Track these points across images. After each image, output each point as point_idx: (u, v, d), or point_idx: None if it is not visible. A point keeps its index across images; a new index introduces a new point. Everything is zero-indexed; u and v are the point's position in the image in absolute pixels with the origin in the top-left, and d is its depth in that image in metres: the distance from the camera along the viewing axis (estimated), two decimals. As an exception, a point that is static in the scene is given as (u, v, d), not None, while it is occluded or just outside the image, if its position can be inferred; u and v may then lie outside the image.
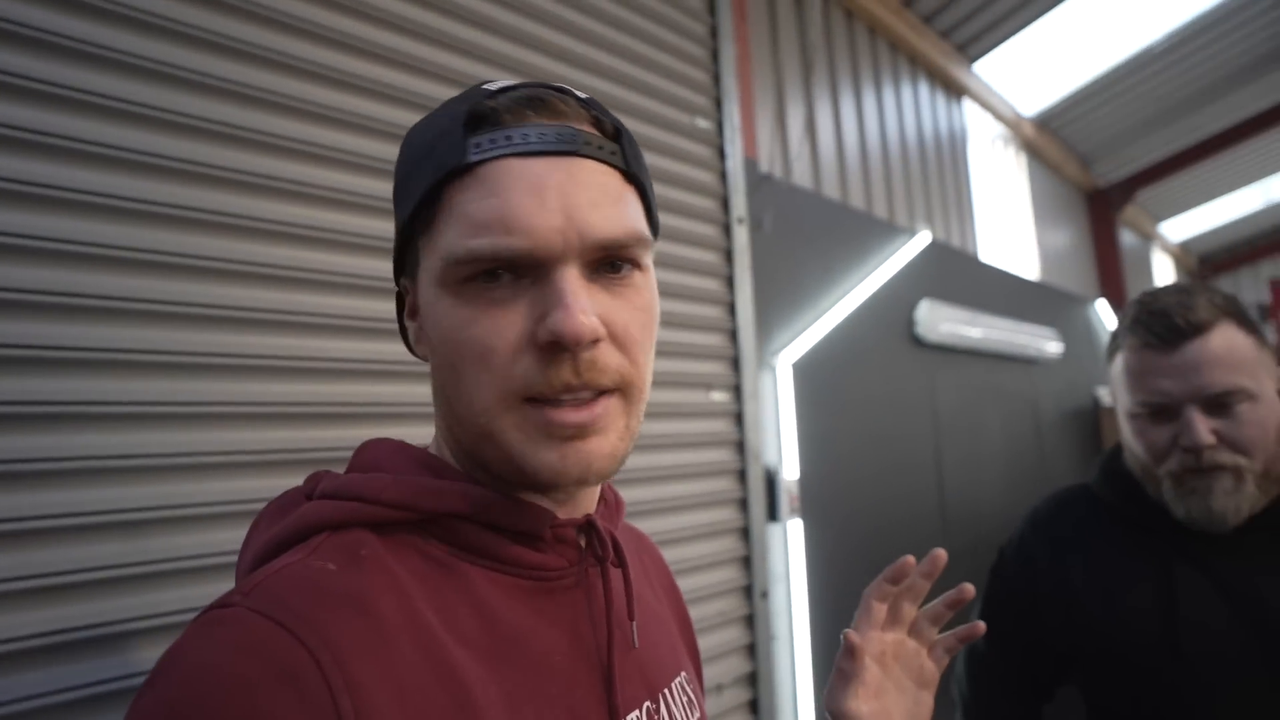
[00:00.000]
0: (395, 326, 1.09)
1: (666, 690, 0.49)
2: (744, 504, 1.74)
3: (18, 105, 0.85)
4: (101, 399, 0.87)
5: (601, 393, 0.40)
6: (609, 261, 0.40)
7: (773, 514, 1.81)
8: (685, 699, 0.51)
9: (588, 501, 0.48)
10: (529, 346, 0.38)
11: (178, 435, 0.92)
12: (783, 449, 1.88)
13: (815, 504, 1.96)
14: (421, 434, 1.13)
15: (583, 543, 0.46)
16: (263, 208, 1.03)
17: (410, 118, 1.20)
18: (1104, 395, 4.07)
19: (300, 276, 1.06)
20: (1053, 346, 3.45)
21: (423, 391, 1.18)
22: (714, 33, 1.86)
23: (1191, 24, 3.95)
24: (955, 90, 3.63)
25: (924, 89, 3.36)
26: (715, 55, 1.84)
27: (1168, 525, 0.85)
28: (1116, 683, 0.85)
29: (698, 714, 0.52)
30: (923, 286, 2.67)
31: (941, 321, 2.65)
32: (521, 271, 0.39)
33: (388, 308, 1.14)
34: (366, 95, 1.17)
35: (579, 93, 0.43)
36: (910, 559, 0.59)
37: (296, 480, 0.49)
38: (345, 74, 1.14)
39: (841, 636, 0.57)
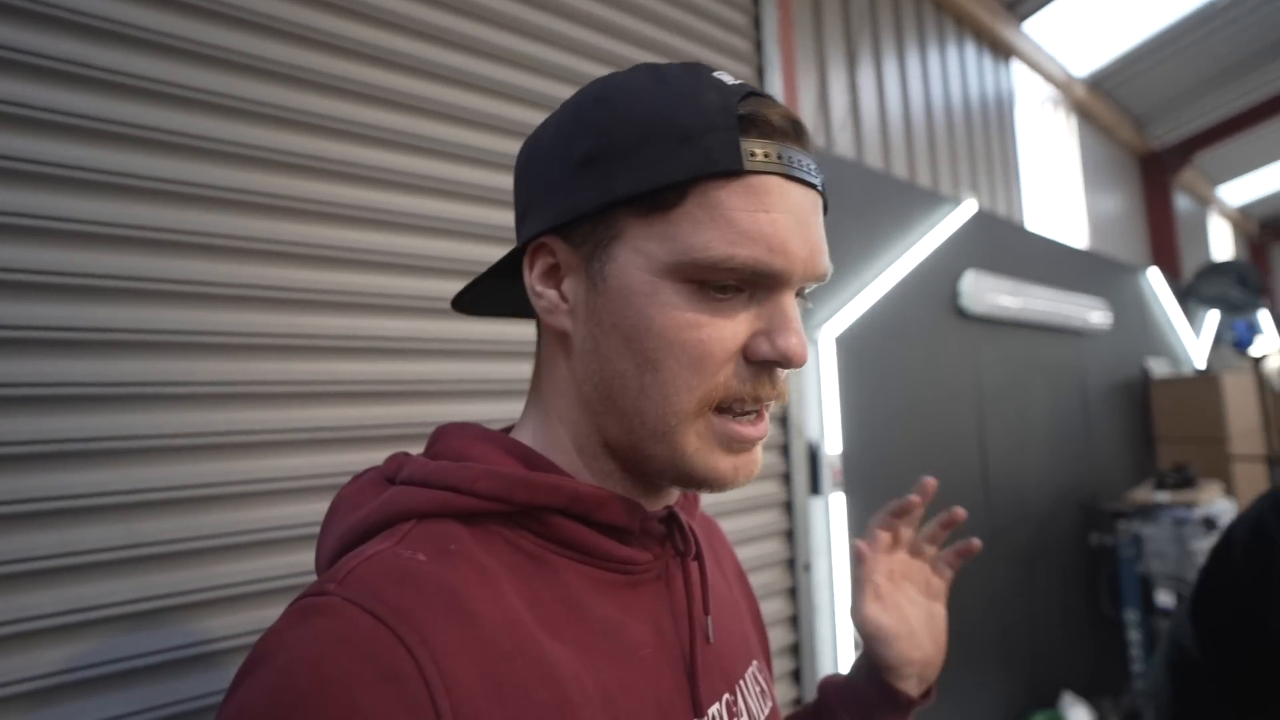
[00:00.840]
0: (423, 305, 1.12)
1: (741, 681, 0.49)
2: (787, 478, 1.74)
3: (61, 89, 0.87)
4: (165, 379, 0.91)
5: (765, 408, 0.43)
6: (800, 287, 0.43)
7: (815, 488, 1.81)
8: (758, 689, 0.51)
9: (671, 494, 0.48)
10: (737, 358, 0.40)
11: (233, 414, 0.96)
12: (825, 423, 1.87)
13: (858, 478, 1.95)
14: (453, 412, 1.17)
15: (665, 535, 0.46)
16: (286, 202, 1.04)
17: (460, 96, 1.21)
18: (1155, 367, 3.94)
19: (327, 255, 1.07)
20: (1102, 317, 3.34)
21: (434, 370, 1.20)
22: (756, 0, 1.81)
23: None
24: (1003, 51, 3.49)
25: (970, 51, 3.24)
26: (757, 22, 1.80)
27: None
28: None
29: (769, 704, 0.52)
30: (968, 257, 2.60)
31: (987, 293, 2.58)
32: (748, 286, 0.40)
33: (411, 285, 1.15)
34: (453, 85, 1.17)
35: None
36: (914, 498, 0.63)
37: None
38: (431, 63, 1.14)
39: (850, 545, 0.63)
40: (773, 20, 1.81)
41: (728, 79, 0.42)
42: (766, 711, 0.51)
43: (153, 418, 0.89)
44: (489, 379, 1.21)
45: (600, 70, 1.42)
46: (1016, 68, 3.62)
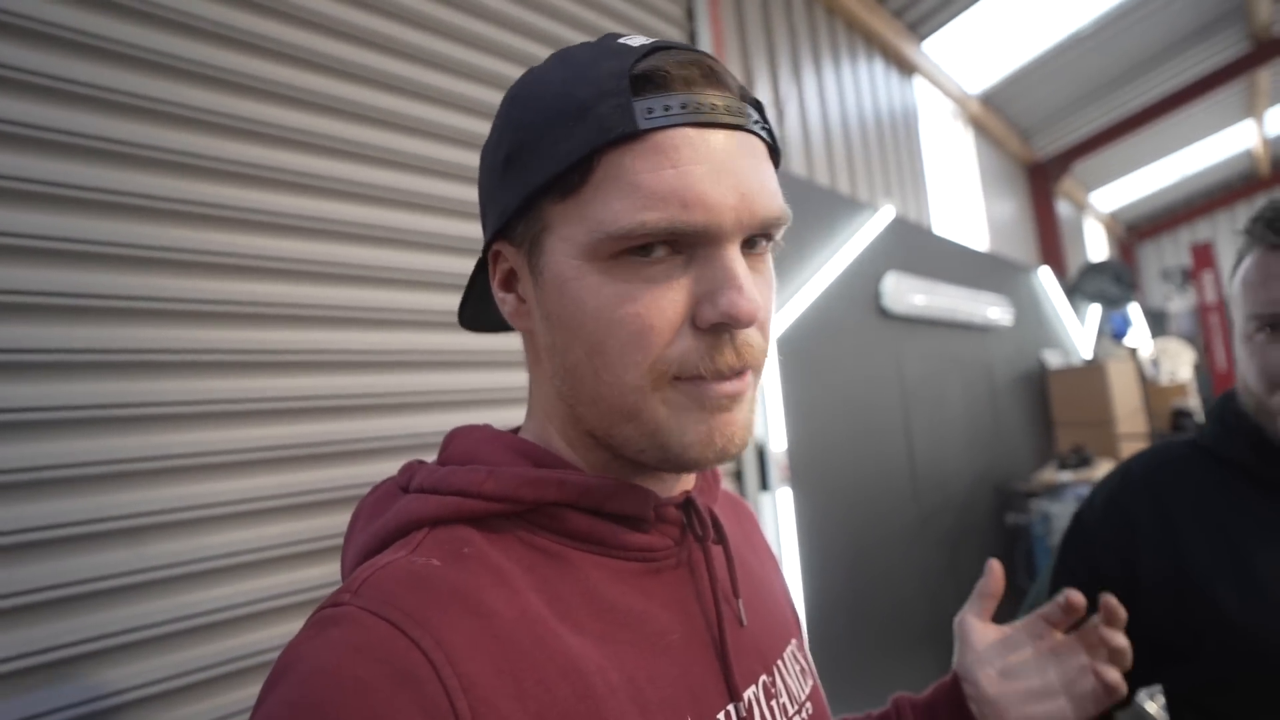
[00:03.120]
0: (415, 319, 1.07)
1: (779, 661, 0.48)
2: (739, 476, 1.80)
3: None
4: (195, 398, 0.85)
5: (747, 370, 0.39)
6: (751, 238, 0.39)
7: (764, 484, 1.88)
8: (798, 668, 0.50)
9: (686, 479, 0.47)
10: (685, 327, 0.37)
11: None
12: (770, 421, 1.95)
13: (802, 472, 2.04)
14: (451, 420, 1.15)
15: (684, 521, 0.45)
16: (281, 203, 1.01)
17: (456, 118, 1.19)
18: (1049, 358, 4.30)
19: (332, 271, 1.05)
20: (1004, 314, 3.63)
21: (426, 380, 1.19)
22: (690, 14, 1.87)
23: (1116, 8, 4.19)
24: (907, 68, 3.74)
25: (879, 67, 3.45)
26: (692, 37, 1.86)
27: None
28: (1255, 689, 0.66)
29: (810, 682, 0.51)
30: (887, 260, 2.76)
31: (906, 293, 2.75)
32: (679, 247, 0.37)
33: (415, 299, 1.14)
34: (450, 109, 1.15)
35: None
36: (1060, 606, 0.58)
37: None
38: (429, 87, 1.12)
39: (989, 566, 0.62)
40: (706, 35, 1.88)
41: (635, 41, 0.39)
42: (808, 690, 0.50)
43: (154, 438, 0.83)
44: (496, 388, 1.19)
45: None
46: (919, 84, 3.89)
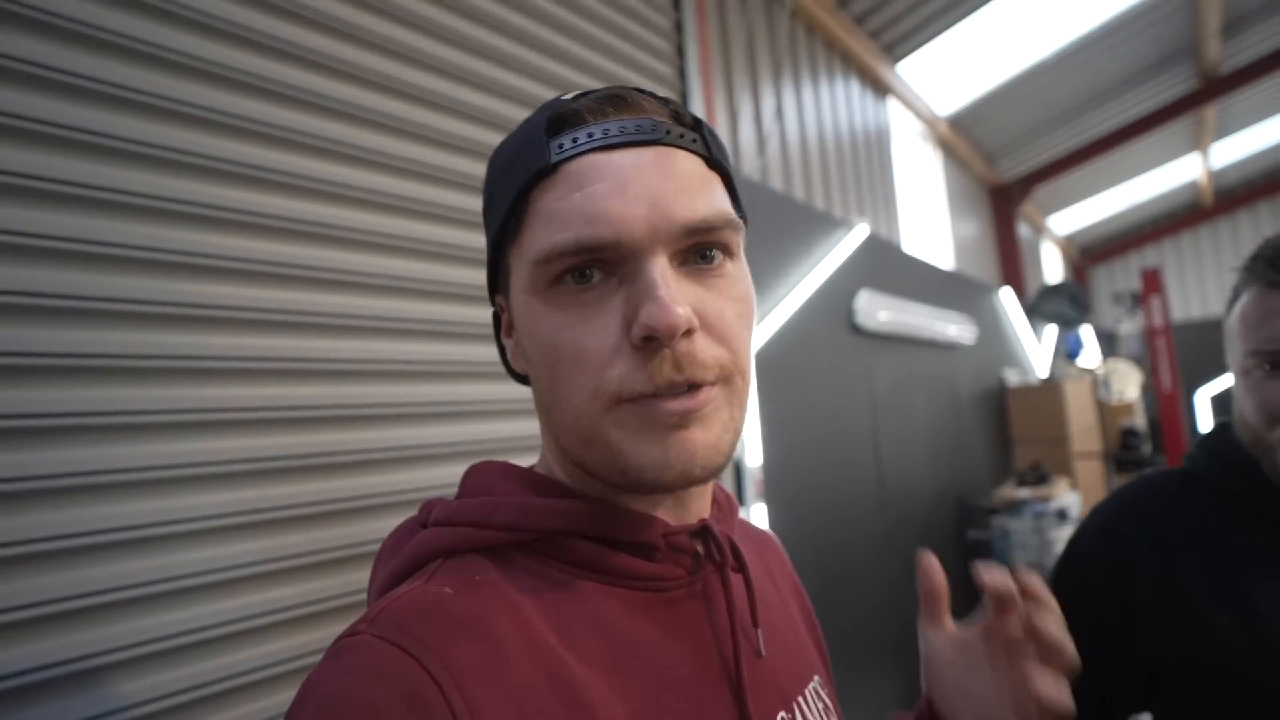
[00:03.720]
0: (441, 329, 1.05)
1: (800, 698, 0.47)
2: (715, 491, 1.79)
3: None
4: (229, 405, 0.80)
5: (703, 385, 0.38)
6: (699, 250, 0.39)
7: (740, 499, 1.87)
8: (820, 705, 0.49)
9: (700, 506, 0.46)
10: (624, 346, 0.37)
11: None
12: (747, 437, 1.95)
13: (776, 488, 2.05)
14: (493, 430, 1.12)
15: (699, 549, 0.44)
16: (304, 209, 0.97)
17: (431, 116, 1.16)
18: (1009, 376, 4.42)
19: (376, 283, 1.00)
20: (968, 332, 3.72)
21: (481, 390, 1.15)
22: (679, 28, 1.87)
23: (1077, 42, 4.36)
24: (881, 89, 3.81)
25: (855, 87, 3.51)
26: (680, 50, 1.86)
27: None
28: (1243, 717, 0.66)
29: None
30: (860, 277, 2.80)
31: (878, 310, 2.80)
32: (611, 269, 0.38)
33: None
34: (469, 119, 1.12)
35: (656, 92, 0.43)
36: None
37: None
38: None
39: (920, 557, 0.50)
40: (694, 52, 1.89)
41: (572, 94, 0.42)
42: None
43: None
44: (484, 400, 1.16)
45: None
46: (892, 104, 3.97)
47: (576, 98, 0.41)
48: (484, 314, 1.30)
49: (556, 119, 0.39)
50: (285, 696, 0.94)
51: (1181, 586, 0.71)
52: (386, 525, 1.08)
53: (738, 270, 0.41)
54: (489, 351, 1.28)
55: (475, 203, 1.29)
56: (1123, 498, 0.80)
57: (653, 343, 0.36)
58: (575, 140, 0.38)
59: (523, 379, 0.48)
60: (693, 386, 0.37)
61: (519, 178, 0.39)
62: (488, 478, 0.45)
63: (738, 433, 0.40)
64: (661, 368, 0.36)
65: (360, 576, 1.03)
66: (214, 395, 0.93)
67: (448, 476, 1.20)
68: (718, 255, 0.40)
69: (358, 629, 0.36)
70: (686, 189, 0.38)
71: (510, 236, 0.41)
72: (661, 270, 0.37)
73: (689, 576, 0.44)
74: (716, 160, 0.41)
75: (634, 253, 0.37)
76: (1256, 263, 0.70)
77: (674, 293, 0.36)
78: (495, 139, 1.32)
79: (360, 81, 1.13)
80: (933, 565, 0.50)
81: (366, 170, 1.13)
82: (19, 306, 0.78)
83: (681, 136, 0.40)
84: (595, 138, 0.38)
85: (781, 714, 0.44)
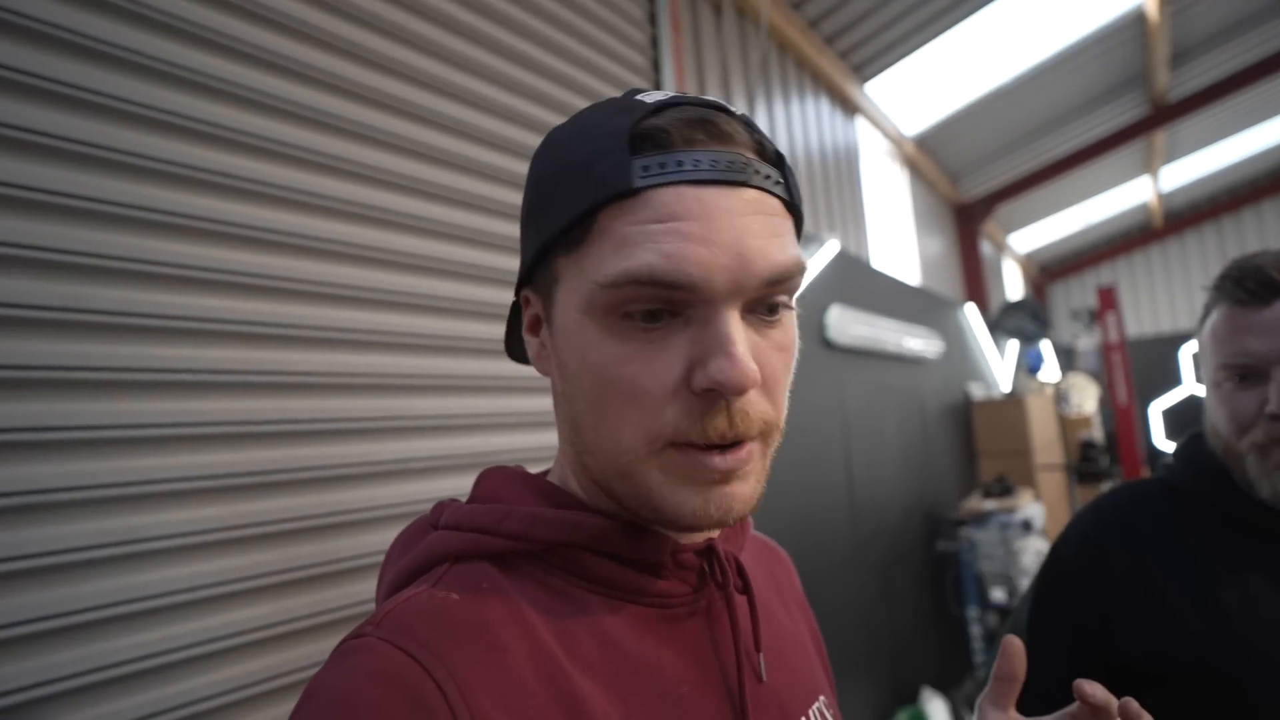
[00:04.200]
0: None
1: (804, 718, 0.47)
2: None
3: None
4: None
5: (746, 441, 0.38)
6: (765, 301, 0.38)
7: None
8: None
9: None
10: (682, 390, 0.36)
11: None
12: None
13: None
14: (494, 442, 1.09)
15: (705, 568, 0.44)
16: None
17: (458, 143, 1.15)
18: (974, 390, 4.52)
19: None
20: (935, 347, 3.79)
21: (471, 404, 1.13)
22: (654, 43, 1.89)
23: (1035, 68, 4.52)
24: (850, 108, 3.90)
25: (825, 105, 3.58)
26: (656, 65, 1.88)
27: (1270, 517, 0.71)
28: (1218, 716, 0.68)
29: None
30: (832, 292, 2.84)
31: (849, 325, 2.84)
32: (678, 309, 0.37)
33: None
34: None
35: (735, 110, 0.41)
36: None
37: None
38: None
39: (1007, 642, 0.51)
40: (670, 67, 1.90)
41: (650, 97, 0.40)
42: None
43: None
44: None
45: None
46: (861, 124, 4.06)
47: (660, 109, 0.38)
48: (465, 328, 1.28)
49: (642, 137, 0.37)
50: (262, 717, 0.91)
51: (1156, 588, 0.74)
52: (364, 542, 1.05)
53: (790, 319, 0.41)
54: (472, 365, 1.26)
55: (463, 217, 1.28)
56: (1102, 505, 0.83)
57: (714, 395, 0.36)
58: (664, 166, 0.36)
59: (522, 362, 0.50)
60: (737, 441, 0.38)
61: (594, 191, 0.37)
62: (500, 484, 0.45)
63: (766, 478, 0.41)
64: (716, 422, 0.36)
65: (337, 594, 1.00)
66: (178, 409, 0.89)
67: (423, 492, 1.17)
68: (781, 307, 0.40)
69: (364, 631, 0.36)
70: (769, 237, 0.37)
71: (568, 246, 0.39)
72: (735, 324, 0.36)
73: (694, 594, 0.44)
74: (795, 204, 0.41)
75: (710, 300, 0.36)
76: (1225, 282, 0.73)
77: (745, 349, 0.36)
78: (478, 151, 1.31)
79: (321, 86, 1.11)
80: (1017, 651, 0.51)
81: (347, 182, 1.11)
82: (-30, 316, 0.74)
83: (767, 178, 0.39)
84: (685, 168, 0.36)
85: None
